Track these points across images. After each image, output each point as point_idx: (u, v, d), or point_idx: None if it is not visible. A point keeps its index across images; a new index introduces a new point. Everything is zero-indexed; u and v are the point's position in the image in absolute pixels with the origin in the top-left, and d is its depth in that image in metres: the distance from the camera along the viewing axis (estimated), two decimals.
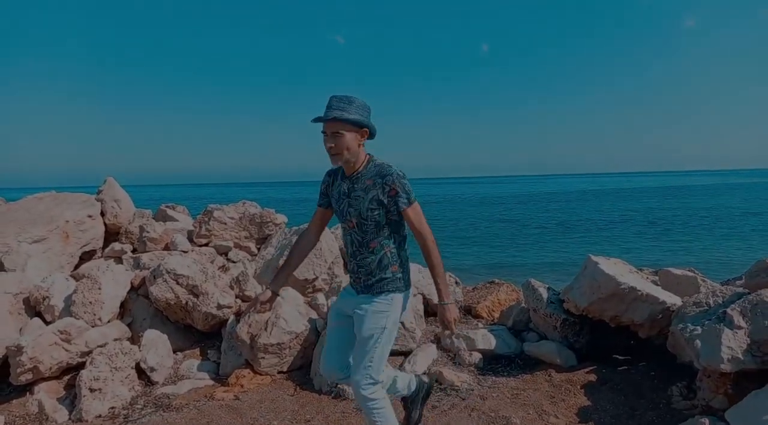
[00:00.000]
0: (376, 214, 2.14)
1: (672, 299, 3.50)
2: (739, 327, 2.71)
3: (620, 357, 3.87)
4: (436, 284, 2.21)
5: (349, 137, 2.10)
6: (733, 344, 2.66)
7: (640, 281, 3.71)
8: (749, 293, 2.96)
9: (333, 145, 2.10)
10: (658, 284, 4.06)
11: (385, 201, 2.13)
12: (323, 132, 2.12)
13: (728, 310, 2.81)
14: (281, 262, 4.65)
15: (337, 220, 2.34)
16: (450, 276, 5.32)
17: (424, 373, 3.67)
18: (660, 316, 3.46)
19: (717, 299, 3.11)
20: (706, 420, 2.53)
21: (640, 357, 3.75)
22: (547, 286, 4.19)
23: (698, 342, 2.78)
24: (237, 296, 4.51)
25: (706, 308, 3.09)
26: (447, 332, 2.00)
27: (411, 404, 2.63)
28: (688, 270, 4.26)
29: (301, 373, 3.86)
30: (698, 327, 2.87)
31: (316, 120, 2.11)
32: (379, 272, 2.20)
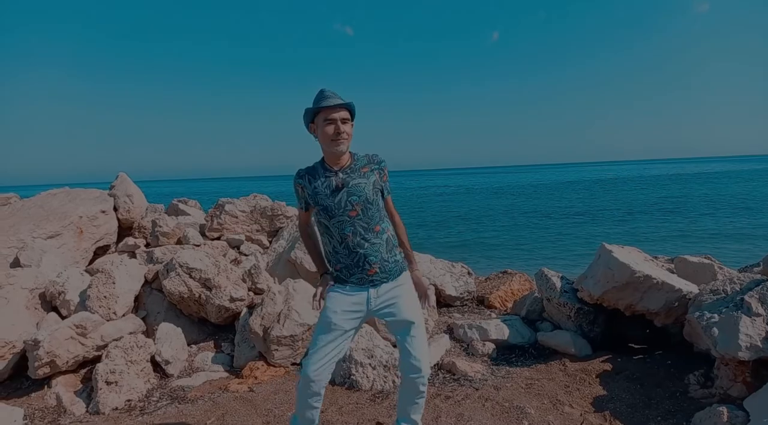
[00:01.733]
0: (378, 197, 2.22)
1: (688, 287, 3.45)
2: (758, 315, 2.66)
3: (636, 346, 3.83)
4: (411, 254, 2.38)
5: (351, 125, 2.15)
6: (752, 331, 2.61)
7: (656, 269, 3.65)
8: (767, 280, 2.90)
9: (345, 130, 2.08)
10: (674, 272, 4.01)
11: (381, 185, 2.24)
12: (328, 120, 2.06)
13: (746, 297, 2.76)
14: (300, 254, 4.66)
15: (328, 216, 2.17)
16: (462, 266, 5.30)
17: (437, 363, 3.67)
18: (676, 304, 3.41)
19: (734, 287, 3.06)
20: (724, 409, 2.49)
21: (656, 345, 3.71)
22: (560, 275, 4.16)
23: (715, 330, 2.74)
24: (249, 289, 4.53)
25: (724, 295, 3.04)
26: (426, 303, 2.22)
27: None
28: (705, 257, 4.19)
29: None
30: (715, 315, 2.82)
31: (335, 106, 2.05)
32: (390, 256, 2.21)
